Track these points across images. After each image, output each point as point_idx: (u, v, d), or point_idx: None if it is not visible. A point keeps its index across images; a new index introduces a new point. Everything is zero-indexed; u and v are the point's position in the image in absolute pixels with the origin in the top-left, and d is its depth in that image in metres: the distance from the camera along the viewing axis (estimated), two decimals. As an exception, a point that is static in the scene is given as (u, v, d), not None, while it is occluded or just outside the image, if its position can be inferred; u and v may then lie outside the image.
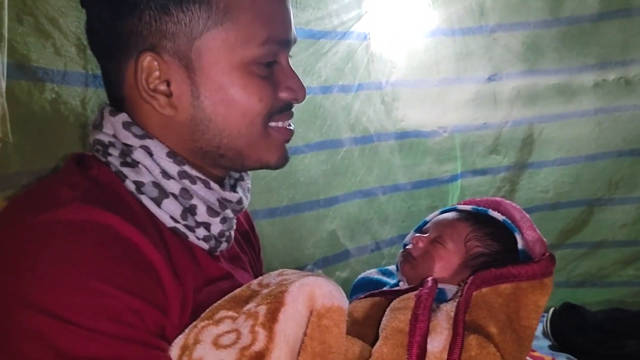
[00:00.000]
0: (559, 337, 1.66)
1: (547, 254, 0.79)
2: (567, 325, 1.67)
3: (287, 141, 0.74)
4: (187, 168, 0.68)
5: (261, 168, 0.74)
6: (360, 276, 0.94)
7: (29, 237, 0.55)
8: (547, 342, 1.68)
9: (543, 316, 1.71)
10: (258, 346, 0.58)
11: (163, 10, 0.62)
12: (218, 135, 0.68)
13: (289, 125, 0.74)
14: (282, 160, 0.74)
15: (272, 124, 0.71)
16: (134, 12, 0.63)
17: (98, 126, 0.68)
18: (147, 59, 0.64)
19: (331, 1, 1.60)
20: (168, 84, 0.65)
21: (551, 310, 1.72)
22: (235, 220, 0.77)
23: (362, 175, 1.74)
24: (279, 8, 0.69)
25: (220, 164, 0.71)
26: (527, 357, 1.48)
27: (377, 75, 1.76)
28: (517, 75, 1.84)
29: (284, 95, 0.71)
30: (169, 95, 0.66)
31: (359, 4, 1.68)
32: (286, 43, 0.70)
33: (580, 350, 1.60)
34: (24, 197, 0.64)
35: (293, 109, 0.76)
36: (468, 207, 0.89)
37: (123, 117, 0.67)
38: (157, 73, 0.65)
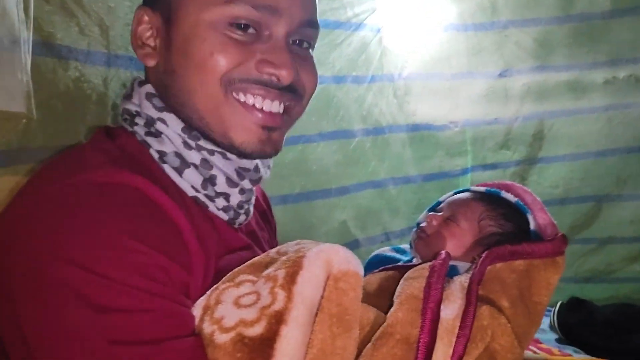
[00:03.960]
0: (566, 330, 1.67)
1: (560, 233, 0.81)
2: (574, 319, 1.68)
3: (266, 127, 0.68)
4: (202, 142, 0.69)
5: (232, 149, 0.69)
6: (373, 253, 0.96)
7: (63, 196, 0.57)
8: (554, 336, 1.68)
9: (550, 310, 1.72)
10: (277, 306, 0.60)
11: None
12: (180, 90, 0.67)
13: (270, 109, 0.67)
14: (253, 146, 0.67)
15: (242, 97, 0.66)
16: None
17: (128, 96, 0.71)
18: (142, 13, 0.70)
19: (345, -8, 1.62)
20: (155, 38, 0.70)
21: (558, 304, 1.72)
22: (254, 194, 0.79)
23: (373, 166, 1.76)
24: None
25: (205, 135, 0.68)
26: (534, 348, 1.50)
27: (389, 68, 1.78)
28: (528, 71, 1.85)
29: (257, 65, 0.66)
30: (154, 48, 0.70)
31: (373, -3, 1.71)
32: (272, 10, 0.65)
33: (587, 344, 1.60)
34: (57, 161, 0.66)
35: (292, 97, 0.70)
36: (481, 188, 0.91)
37: (147, 88, 0.70)
38: (150, 29, 0.70)
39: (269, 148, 0.69)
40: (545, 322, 1.70)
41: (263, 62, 0.66)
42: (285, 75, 0.66)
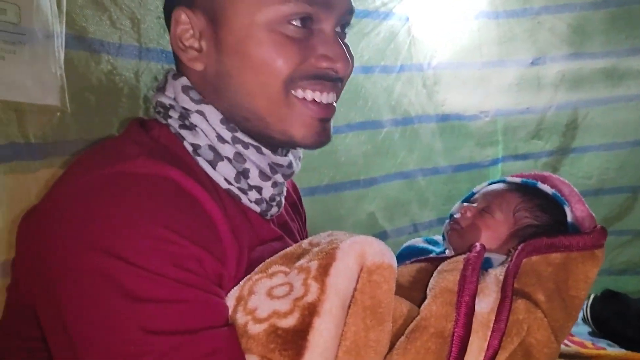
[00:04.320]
0: (600, 323, 1.64)
1: (599, 226, 0.79)
2: (607, 312, 1.65)
3: (322, 119, 0.69)
4: (239, 134, 0.69)
5: (290, 144, 0.70)
6: (405, 244, 0.95)
7: (100, 187, 0.58)
8: (587, 329, 1.65)
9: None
10: (310, 297, 0.59)
11: None
12: (237, 93, 0.67)
13: (327, 101, 0.69)
14: (312, 139, 0.69)
15: (300, 93, 0.67)
16: None
17: (161, 89, 0.71)
18: (180, 14, 0.67)
19: (374, -19, 1.60)
20: (200, 40, 0.67)
21: (592, 296, 1.69)
22: (285, 186, 0.79)
23: (402, 157, 1.74)
24: None
25: (251, 131, 0.69)
26: (567, 342, 1.47)
27: (418, 57, 1.76)
28: (562, 58, 1.80)
29: (316, 61, 0.67)
30: (199, 50, 0.67)
31: (400, -14, 1.68)
32: (325, 5, 0.66)
33: (621, 337, 1.57)
34: (94, 153, 0.67)
35: (340, 87, 0.71)
36: (517, 179, 0.89)
37: (183, 81, 0.70)
38: (190, 30, 0.67)
39: (325, 138, 0.70)
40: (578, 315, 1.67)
41: (321, 57, 0.67)
42: (341, 67, 0.67)
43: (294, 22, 0.65)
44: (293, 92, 0.67)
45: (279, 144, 0.72)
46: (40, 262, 0.58)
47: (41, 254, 0.58)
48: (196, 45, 0.68)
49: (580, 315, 1.68)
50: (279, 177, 0.73)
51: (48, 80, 0.92)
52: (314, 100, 0.68)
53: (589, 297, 1.69)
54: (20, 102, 0.83)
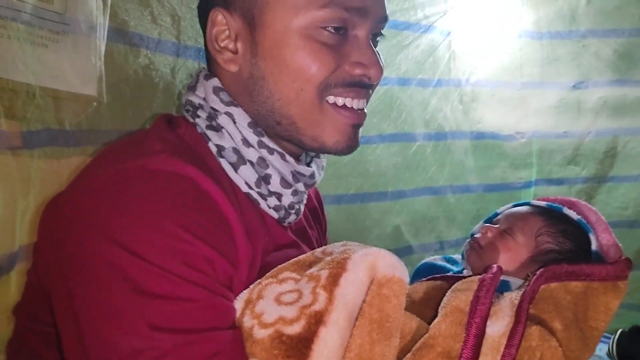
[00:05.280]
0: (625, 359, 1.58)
1: (624, 257, 0.76)
2: (635, 349, 1.59)
3: (354, 125, 0.70)
4: (265, 139, 0.69)
5: (321, 150, 0.71)
6: (423, 261, 0.94)
7: (117, 180, 0.59)
8: (611, 364, 1.60)
9: (609, 337, 1.64)
10: (318, 306, 0.59)
11: None
12: (270, 97, 0.67)
13: (358, 107, 0.69)
14: (344, 145, 0.69)
15: (331, 99, 0.68)
16: None
17: (192, 88, 0.72)
18: (218, 16, 0.67)
19: (417, -8, 1.60)
20: (236, 42, 0.67)
21: (619, 332, 1.63)
22: (306, 195, 0.79)
23: (432, 172, 1.72)
24: None
25: (280, 135, 0.70)
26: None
27: (457, 73, 1.74)
28: (605, 84, 1.76)
29: (350, 68, 0.67)
30: (235, 52, 0.68)
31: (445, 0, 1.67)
32: (360, 12, 0.67)
33: (647, 376, 1.52)
34: (117, 146, 0.69)
35: (371, 93, 0.72)
36: (542, 203, 0.87)
37: (214, 82, 0.70)
38: (225, 29, 0.67)
39: (355, 144, 0.71)
40: (602, 349, 1.62)
41: (355, 64, 0.67)
42: (374, 74, 0.68)
43: (329, 29, 0.65)
44: (326, 98, 0.67)
45: (309, 149, 0.73)
46: (57, 249, 0.59)
47: (59, 241, 0.59)
48: (231, 46, 0.68)
49: (606, 349, 1.63)
50: (300, 186, 0.73)
51: (87, 70, 0.94)
52: (345, 105, 0.69)
53: (615, 331, 1.63)
54: (58, 90, 0.86)
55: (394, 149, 1.63)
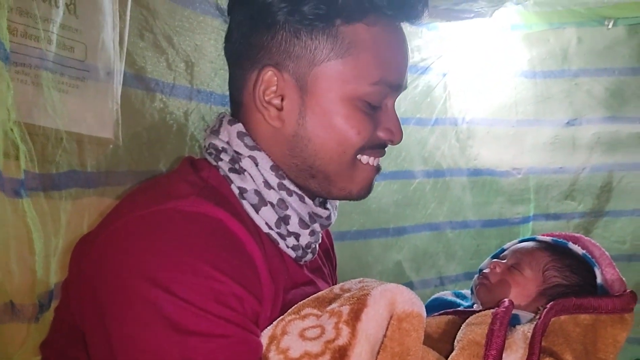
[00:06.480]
0: (629, 394, 1.59)
1: (629, 290, 0.79)
2: (638, 383, 1.60)
3: (373, 178, 0.78)
4: (286, 182, 0.73)
5: (345, 198, 0.77)
6: (433, 296, 0.96)
7: (153, 221, 0.62)
8: (615, 398, 1.61)
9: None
10: (341, 341, 0.61)
11: (295, 34, 0.69)
12: (313, 156, 0.72)
13: (377, 163, 0.77)
14: (364, 193, 0.78)
15: (363, 158, 0.74)
16: (269, 30, 0.69)
17: (215, 132, 0.75)
18: (268, 73, 0.70)
19: (414, 36, 1.66)
20: (282, 99, 0.71)
21: (622, 365, 1.65)
22: (321, 235, 0.82)
23: (432, 208, 1.76)
24: (398, 54, 0.73)
25: (310, 186, 0.75)
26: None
27: (453, 112, 1.80)
28: (598, 121, 1.82)
29: (382, 134, 0.74)
30: (280, 109, 0.72)
31: (441, 43, 1.74)
32: (396, 87, 0.74)
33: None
34: (148, 188, 0.71)
35: (386, 149, 0.79)
36: (548, 238, 0.90)
37: (238, 127, 0.74)
38: (274, 87, 0.71)
39: (370, 192, 0.78)
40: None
41: (385, 130, 0.74)
42: (398, 139, 0.76)
43: (370, 101, 0.72)
44: (358, 157, 0.74)
45: (333, 197, 0.79)
46: (93, 288, 0.61)
47: (95, 279, 0.61)
48: (276, 102, 0.72)
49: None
50: (316, 227, 0.77)
51: (105, 114, 0.98)
52: (369, 163, 0.75)
53: (618, 365, 1.65)
54: (80, 133, 0.89)
55: (395, 186, 1.67)
